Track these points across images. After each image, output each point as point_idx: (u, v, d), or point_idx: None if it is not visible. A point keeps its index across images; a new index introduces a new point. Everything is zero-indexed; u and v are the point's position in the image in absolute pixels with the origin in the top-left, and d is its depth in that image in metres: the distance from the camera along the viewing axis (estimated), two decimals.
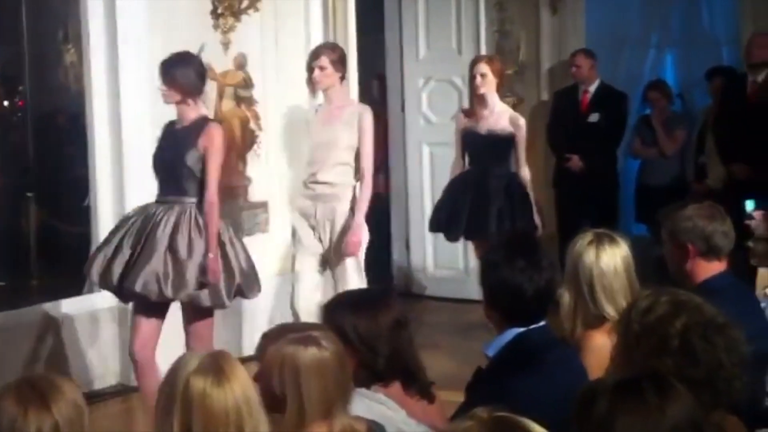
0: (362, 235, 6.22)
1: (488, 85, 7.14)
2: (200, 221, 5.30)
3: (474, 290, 8.11)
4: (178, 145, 5.41)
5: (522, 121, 7.13)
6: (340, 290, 5.83)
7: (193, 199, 5.35)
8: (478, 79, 7.14)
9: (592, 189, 8.34)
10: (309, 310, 6.12)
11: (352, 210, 6.19)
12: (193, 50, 6.71)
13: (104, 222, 6.65)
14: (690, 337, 2.62)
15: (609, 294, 3.68)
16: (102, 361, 6.50)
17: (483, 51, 8.53)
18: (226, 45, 7.11)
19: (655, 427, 2.13)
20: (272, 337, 3.26)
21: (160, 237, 5.24)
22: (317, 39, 7.53)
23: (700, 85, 9.13)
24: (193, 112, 5.44)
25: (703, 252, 3.87)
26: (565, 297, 3.72)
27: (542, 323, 3.25)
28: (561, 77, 9.19)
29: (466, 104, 8.56)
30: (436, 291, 8.42)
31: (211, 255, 5.24)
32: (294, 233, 6.44)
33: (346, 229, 6.15)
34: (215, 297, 5.30)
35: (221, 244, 5.34)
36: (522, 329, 3.22)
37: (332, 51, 6.30)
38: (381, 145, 9.13)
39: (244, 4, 7.15)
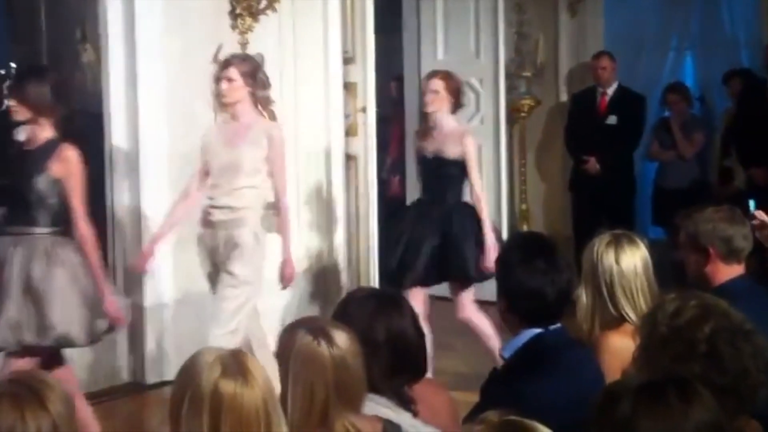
0: (294, 267, 5.74)
1: (439, 103, 6.32)
2: (60, 254, 4.83)
3: (489, 292, 8.13)
4: (26, 169, 4.91)
5: (469, 140, 6.29)
6: (216, 324, 5.38)
7: (46, 230, 4.88)
8: (429, 95, 6.35)
9: (609, 191, 8.32)
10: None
11: (256, 236, 5.54)
12: (212, 50, 6.76)
13: (121, 221, 6.66)
14: (717, 343, 2.59)
15: (629, 295, 3.65)
16: (110, 358, 6.50)
17: (501, 52, 8.52)
18: (243, 45, 7.10)
19: (678, 431, 2.11)
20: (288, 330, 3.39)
21: (11, 278, 4.76)
22: (335, 40, 7.53)
23: (720, 87, 9.09)
24: (45, 132, 4.96)
25: (724, 255, 3.86)
26: (583, 298, 3.69)
27: (559, 325, 3.23)
28: (579, 79, 9.17)
29: (483, 107, 8.57)
30: (446, 292, 8.36)
31: (107, 298, 4.91)
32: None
33: (246, 256, 5.48)
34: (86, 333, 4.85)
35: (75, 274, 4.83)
36: (539, 330, 3.20)
37: (243, 62, 5.68)
38: (398, 147, 9.14)
39: (262, 4, 7.15)
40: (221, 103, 5.67)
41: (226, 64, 5.67)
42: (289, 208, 5.82)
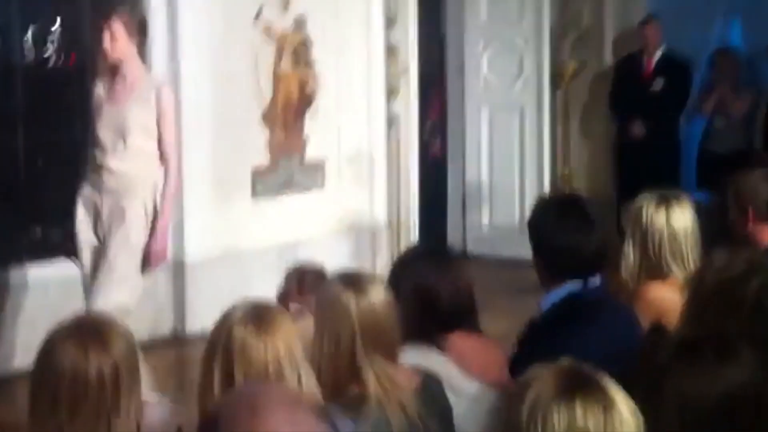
0: (167, 243, 5.31)
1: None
2: None
3: (527, 251, 8.11)
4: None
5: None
6: (95, 295, 5.04)
7: None
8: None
9: (654, 155, 8.27)
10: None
11: (146, 209, 5.15)
12: (253, 12, 6.75)
13: None
14: (764, 298, 2.59)
15: (678, 254, 3.64)
16: (154, 312, 6.55)
17: (546, 15, 8.49)
18: (285, 6, 7.10)
19: (709, 388, 2.09)
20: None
21: None
22: (378, 1, 7.51)
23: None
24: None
25: (763, 215, 3.85)
26: (630, 256, 3.68)
27: (597, 280, 3.23)
28: (624, 43, 9.08)
29: (527, 69, 8.52)
30: (490, 252, 8.36)
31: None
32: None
33: (135, 229, 5.12)
34: None
35: None
36: (576, 286, 3.22)
37: (128, 16, 5.26)
38: (439, 110, 9.11)
39: None
40: (105, 60, 5.23)
41: (109, 18, 5.19)
42: (178, 176, 5.35)
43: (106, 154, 5.14)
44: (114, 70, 5.22)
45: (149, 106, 5.12)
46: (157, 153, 5.18)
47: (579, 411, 1.80)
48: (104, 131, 5.16)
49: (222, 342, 2.47)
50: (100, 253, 5.16)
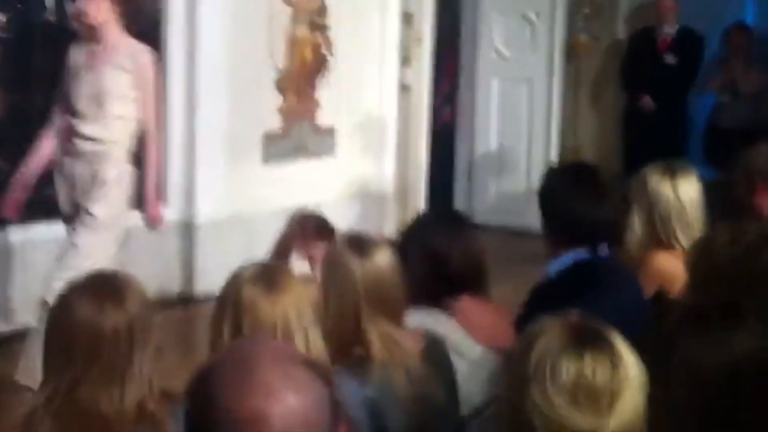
0: (160, 206, 5.29)
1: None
2: None
3: (534, 221, 8.12)
4: None
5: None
6: (64, 266, 4.82)
7: None
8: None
9: (662, 129, 8.25)
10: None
11: (120, 174, 5.02)
12: None
13: (173, 140, 6.69)
14: None
15: (683, 224, 3.63)
16: (164, 272, 6.59)
17: None
18: None
19: (717, 356, 2.10)
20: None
21: None
22: None
23: None
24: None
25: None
26: (636, 227, 3.68)
27: (606, 249, 3.24)
28: (638, 17, 9.04)
29: (539, 40, 8.49)
30: (497, 221, 8.36)
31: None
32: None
33: (112, 194, 4.99)
34: None
35: None
36: (586, 253, 3.22)
37: None
38: (451, 78, 9.10)
39: None
40: (82, 24, 5.05)
41: None
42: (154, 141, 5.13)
43: (82, 120, 4.98)
44: (93, 35, 5.03)
45: (128, 72, 4.96)
46: (134, 119, 5.01)
47: (587, 363, 1.80)
48: (81, 97, 4.99)
49: (231, 301, 2.48)
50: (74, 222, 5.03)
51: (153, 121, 5.05)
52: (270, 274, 2.53)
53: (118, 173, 5.00)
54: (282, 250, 5.35)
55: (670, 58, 8.44)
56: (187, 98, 6.66)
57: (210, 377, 1.45)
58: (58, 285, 4.63)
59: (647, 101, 8.35)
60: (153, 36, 6.72)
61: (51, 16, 8.22)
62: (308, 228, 5.34)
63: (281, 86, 7.05)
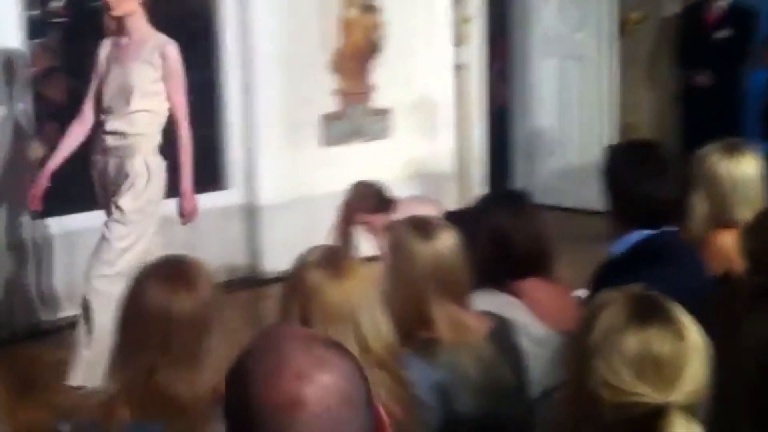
0: (194, 201, 5.15)
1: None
2: None
3: (593, 200, 8.08)
4: None
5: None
6: (99, 262, 4.84)
7: None
8: None
9: (718, 105, 8.15)
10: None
11: (148, 167, 4.92)
12: None
13: (233, 125, 6.74)
14: None
15: (744, 202, 3.59)
16: (229, 254, 6.64)
17: None
18: None
19: None
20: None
21: None
22: None
23: None
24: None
25: None
26: (697, 205, 3.64)
27: (671, 227, 3.22)
28: None
29: (591, 17, 8.41)
30: (555, 201, 8.32)
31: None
32: None
33: (137, 189, 4.90)
34: None
35: None
36: (651, 231, 3.20)
37: None
38: (505, 56, 9.05)
39: None
40: (110, 17, 4.97)
41: None
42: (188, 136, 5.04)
43: (109, 115, 4.92)
44: (120, 28, 4.95)
45: (154, 65, 4.86)
46: (161, 112, 4.94)
47: (652, 335, 1.79)
48: (109, 93, 4.93)
49: (297, 286, 2.48)
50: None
51: (183, 114, 4.96)
52: (334, 258, 2.53)
53: (146, 166, 4.90)
54: (344, 220, 5.40)
55: (722, 33, 8.33)
56: (243, 83, 6.70)
57: (242, 369, 1.45)
58: (98, 283, 4.73)
59: (703, 77, 8.26)
60: (207, 22, 6.78)
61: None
62: (368, 198, 5.38)
63: (336, 69, 7.06)
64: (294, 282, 2.50)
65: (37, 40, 6.53)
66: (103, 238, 4.87)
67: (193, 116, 7.16)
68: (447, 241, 2.78)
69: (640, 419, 1.74)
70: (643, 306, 1.84)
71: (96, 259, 4.84)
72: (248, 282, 6.63)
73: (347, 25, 7.07)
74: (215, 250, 6.54)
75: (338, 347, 1.50)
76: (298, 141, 6.85)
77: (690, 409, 1.75)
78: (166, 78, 4.88)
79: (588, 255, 5.96)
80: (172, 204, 6.32)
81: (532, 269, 3.13)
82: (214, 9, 6.70)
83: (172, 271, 2.40)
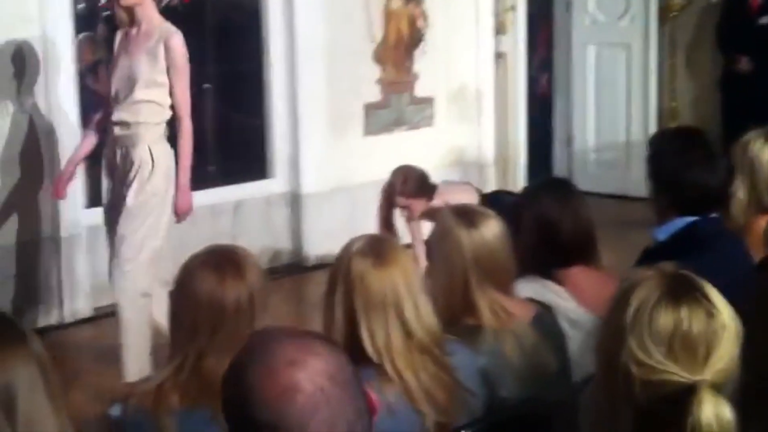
0: (190, 198, 4.84)
1: None
2: None
3: (634, 186, 8.05)
4: None
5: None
6: (121, 260, 4.72)
7: None
8: None
9: (760, 91, 8.05)
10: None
11: (153, 156, 4.74)
12: None
13: (278, 114, 6.76)
14: None
15: None
16: (273, 241, 6.68)
17: None
18: None
19: None
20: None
21: None
22: None
23: None
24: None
25: None
26: (740, 192, 3.62)
27: (714, 214, 3.20)
28: None
29: (634, 5, 8.35)
30: (596, 187, 8.30)
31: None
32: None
33: (143, 178, 4.72)
34: None
35: None
36: (695, 218, 3.18)
37: None
38: (546, 46, 9.01)
39: None
40: (119, 6, 4.81)
41: None
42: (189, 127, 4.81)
43: (116, 106, 4.79)
44: (130, 19, 4.81)
45: (159, 57, 4.69)
46: (166, 104, 4.76)
47: (684, 313, 1.79)
48: (116, 83, 4.81)
49: (342, 275, 2.48)
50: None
51: (185, 107, 4.77)
52: (378, 246, 2.53)
53: (150, 154, 4.74)
54: (386, 204, 5.42)
55: (765, 19, 8.23)
56: (288, 72, 6.72)
57: (237, 370, 1.50)
58: (122, 281, 4.64)
59: (745, 62, 8.17)
60: (254, 15, 6.80)
61: None
62: (410, 182, 5.40)
63: (379, 59, 7.07)
64: (339, 270, 2.50)
65: (84, 34, 6.56)
66: (118, 235, 4.75)
67: (241, 106, 7.27)
68: (492, 229, 2.78)
69: (671, 397, 1.75)
70: (676, 285, 1.84)
71: (116, 257, 4.75)
72: (292, 268, 6.66)
73: (390, 16, 7.08)
74: (260, 237, 6.59)
75: (321, 337, 1.57)
76: (342, 130, 6.87)
77: (719, 388, 1.75)
78: (169, 69, 4.71)
79: (629, 241, 5.94)
80: (212, 194, 6.44)
81: (577, 257, 3.12)
82: (261, 2, 6.72)
83: (220, 260, 2.41)
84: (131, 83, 4.72)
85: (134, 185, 4.70)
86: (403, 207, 5.43)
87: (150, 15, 4.77)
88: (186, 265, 2.44)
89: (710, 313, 1.80)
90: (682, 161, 3.19)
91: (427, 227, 5.51)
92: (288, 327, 1.72)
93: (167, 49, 4.68)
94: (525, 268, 2.96)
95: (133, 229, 4.70)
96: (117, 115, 4.76)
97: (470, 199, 5.41)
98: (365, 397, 1.54)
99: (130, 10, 4.77)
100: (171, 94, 4.73)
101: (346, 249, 2.55)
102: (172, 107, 4.75)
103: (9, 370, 1.96)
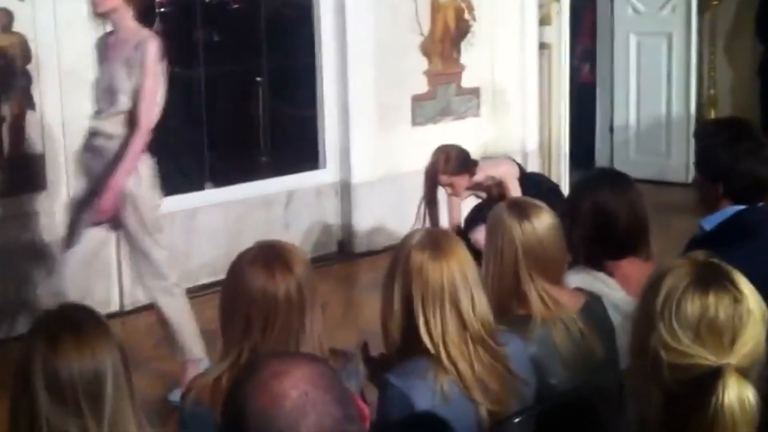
0: (115, 198, 4.41)
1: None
2: None
3: (674, 172, 7.97)
4: None
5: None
6: (141, 265, 4.57)
7: None
8: None
9: None
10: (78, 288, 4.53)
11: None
12: None
13: (328, 106, 6.76)
14: None
15: None
16: (324, 230, 6.69)
17: None
18: None
19: None
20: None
21: None
22: None
23: None
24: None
25: None
26: None
27: (761, 203, 3.16)
28: None
29: None
30: (637, 173, 8.21)
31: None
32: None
33: (130, 194, 4.44)
34: None
35: None
36: (742, 207, 3.14)
37: None
38: (590, 35, 8.94)
39: None
40: (95, 13, 4.57)
41: None
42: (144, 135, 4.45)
43: (99, 115, 4.57)
44: (108, 24, 4.61)
45: (134, 66, 4.43)
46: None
47: (710, 300, 1.81)
48: (97, 93, 4.58)
49: (401, 266, 2.49)
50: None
51: (146, 113, 4.43)
52: (437, 239, 2.53)
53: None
54: (429, 182, 5.42)
55: None
56: (338, 65, 6.71)
57: (233, 391, 1.59)
58: (162, 298, 4.53)
59: None
60: (305, 7, 6.81)
61: None
62: (451, 160, 5.40)
63: (426, 51, 7.04)
64: (397, 262, 2.51)
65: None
66: (137, 251, 4.56)
67: (293, 99, 7.29)
68: (544, 221, 2.79)
69: (697, 380, 1.77)
70: (705, 272, 1.86)
71: (145, 274, 4.60)
72: (342, 255, 6.67)
73: (438, 9, 7.05)
74: (311, 225, 6.61)
75: (306, 354, 1.75)
76: (390, 121, 6.86)
77: (745, 372, 1.76)
78: (141, 73, 4.42)
79: (671, 225, 5.92)
80: (265, 185, 6.48)
81: (630, 249, 3.10)
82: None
83: (268, 256, 2.41)
84: (112, 93, 4.48)
85: (129, 204, 4.46)
86: (447, 185, 5.42)
87: (126, 22, 4.51)
88: (235, 264, 2.44)
89: (737, 299, 1.82)
90: (735, 152, 3.14)
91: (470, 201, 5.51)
92: (277, 350, 1.91)
93: (142, 53, 4.42)
94: (577, 258, 2.95)
95: (150, 246, 4.53)
96: (101, 125, 4.54)
97: (510, 170, 5.41)
98: (353, 403, 1.60)
99: (105, 17, 4.57)
100: (137, 97, 4.43)
101: (406, 241, 2.55)
102: (133, 111, 4.44)
103: (99, 357, 2.00)
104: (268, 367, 1.56)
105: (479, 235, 5.13)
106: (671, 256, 3.16)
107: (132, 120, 4.44)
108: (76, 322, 2.04)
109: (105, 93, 4.51)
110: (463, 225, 5.47)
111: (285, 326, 2.36)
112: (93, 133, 4.58)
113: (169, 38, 7.63)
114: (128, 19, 4.52)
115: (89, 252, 4.60)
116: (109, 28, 4.64)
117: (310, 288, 2.41)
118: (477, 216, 5.34)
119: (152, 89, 4.45)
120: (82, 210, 4.56)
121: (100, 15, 4.57)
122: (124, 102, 4.45)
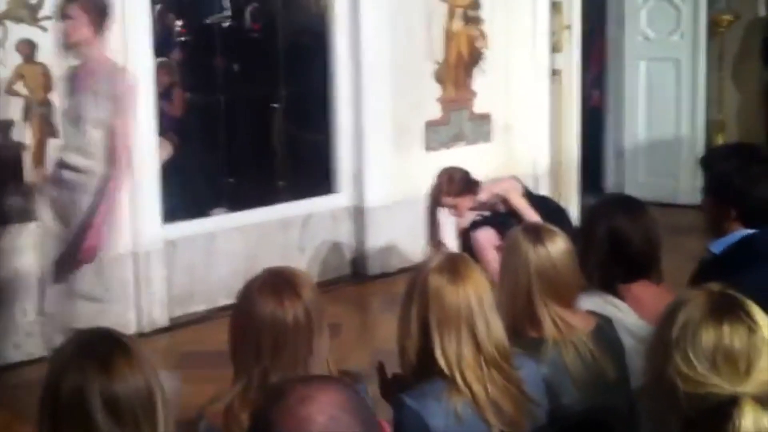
0: (101, 240, 4.35)
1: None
2: None
3: (683, 195, 7.95)
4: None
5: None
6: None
7: None
8: None
9: None
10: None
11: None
12: None
13: (344, 131, 6.78)
14: None
15: None
16: (338, 253, 6.70)
17: None
18: None
19: None
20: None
21: None
22: None
23: None
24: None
25: None
26: None
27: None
28: None
29: (684, 22, 8.27)
30: (647, 196, 8.20)
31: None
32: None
33: (84, 228, 4.34)
34: None
35: None
36: (752, 231, 3.14)
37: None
38: (599, 62, 8.95)
39: None
40: (66, 44, 4.50)
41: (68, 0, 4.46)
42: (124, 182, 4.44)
43: (64, 146, 4.53)
44: (76, 55, 4.53)
45: (104, 97, 4.35)
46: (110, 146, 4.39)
47: (725, 330, 1.84)
48: (64, 123, 4.55)
49: (418, 290, 2.50)
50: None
51: (124, 146, 4.38)
52: (454, 263, 2.54)
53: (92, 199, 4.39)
54: (433, 204, 5.42)
55: None
56: (353, 91, 6.73)
57: (260, 413, 1.60)
58: None
59: None
60: (322, 36, 6.84)
61: (227, 19, 8.43)
62: (455, 182, 5.40)
63: (440, 77, 7.07)
64: (415, 285, 2.52)
65: (160, 59, 6.65)
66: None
67: (308, 125, 7.32)
68: (558, 246, 2.80)
69: (714, 408, 1.78)
70: (720, 303, 1.89)
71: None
72: (355, 278, 6.67)
73: (451, 37, 7.09)
74: (326, 248, 6.62)
75: (330, 377, 1.74)
76: (404, 146, 6.88)
77: (761, 400, 1.77)
78: (114, 107, 4.36)
79: (681, 246, 5.90)
80: (282, 209, 6.49)
81: (642, 272, 3.10)
82: (328, 24, 6.76)
83: (276, 283, 2.43)
84: (78, 124, 4.40)
85: (75, 232, 4.35)
86: (451, 206, 5.43)
87: (94, 52, 4.45)
88: (244, 292, 2.46)
89: (751, 329, 1.85)
90: (749, 177, 3.14)
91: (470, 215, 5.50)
92: (302, 375, 1.88)
93: (116, 90, 4.36)
94: (590, 281, 2.96)
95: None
96: (68, 157, 4.45)
97: (513, 186, 5.41)
98: (378, 426, 1.62)
99: (74, 48, 4.49)
100: (113, 132, 4.35)
101: (424, 265, 2.57)
102: (110, 148, 4.36)
103: (147, 374, 1.99)
104: (293, 393, 1.57)
105: (481, 234, 5.13)
106: (681, 276, 3.19)
107: (110, 157, 4.35)
108: (122, 343, 2.03)
109: (71, 123, 4.46)
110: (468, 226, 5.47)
111: (294, 350, 2.38)
112: (60, 165, 4.49)
113: (188, 66, 7.74)
114: (98, 50, 4.46)
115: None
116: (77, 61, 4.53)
117: (317, 311, 2.43)
118: (482, 222, 5.35)
119: (129, 125, 4.41)
120: (65, 248, 4.44)
121: (71, 46, 4.50)
122: (91, 134, 4.35)
